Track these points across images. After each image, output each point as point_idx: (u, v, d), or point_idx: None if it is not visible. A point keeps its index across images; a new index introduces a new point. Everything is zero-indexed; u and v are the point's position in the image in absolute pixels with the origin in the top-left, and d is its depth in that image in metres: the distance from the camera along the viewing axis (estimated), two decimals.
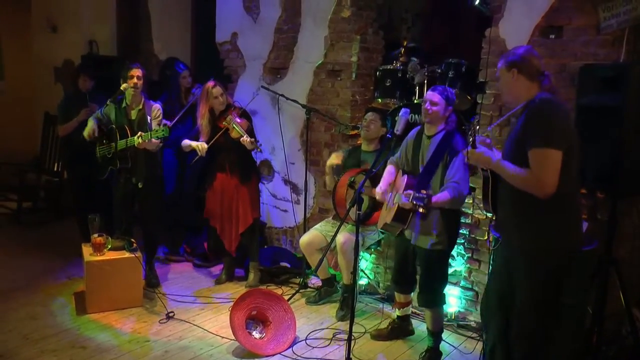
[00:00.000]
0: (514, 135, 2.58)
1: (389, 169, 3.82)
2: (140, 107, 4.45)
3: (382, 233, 4.30)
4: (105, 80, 5.20)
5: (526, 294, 2.62)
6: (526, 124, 2.51)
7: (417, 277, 3.77)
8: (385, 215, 3.68)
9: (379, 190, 3.65)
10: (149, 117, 4.42)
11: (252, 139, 4.35)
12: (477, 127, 2.57)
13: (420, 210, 3.10)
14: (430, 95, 3.53)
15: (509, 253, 2.71)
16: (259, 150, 4.39)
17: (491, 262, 3.85)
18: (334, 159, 4.49)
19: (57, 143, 6.84)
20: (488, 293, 2.96)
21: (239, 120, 4.47)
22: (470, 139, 2.67)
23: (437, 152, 3.48)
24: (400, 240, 3.75)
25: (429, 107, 3.50)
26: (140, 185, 4.48)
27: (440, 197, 3.28)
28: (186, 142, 4.54)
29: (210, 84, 4.53)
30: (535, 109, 2.52)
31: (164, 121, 4.54)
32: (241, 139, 4.36)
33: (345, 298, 4.27)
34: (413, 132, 3.75)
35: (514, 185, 2.54)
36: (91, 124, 4.47)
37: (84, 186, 5.19)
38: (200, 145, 4.45)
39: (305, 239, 4.39)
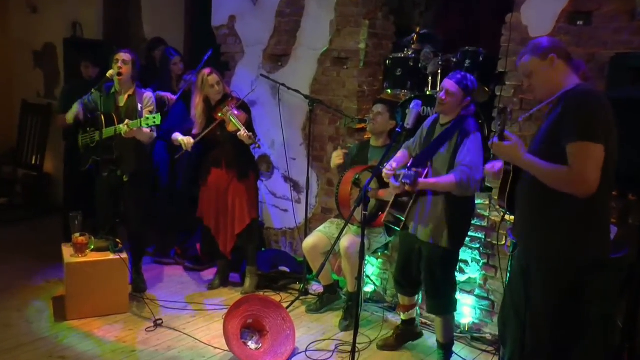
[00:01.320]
0: (546, 130, 2.53)
1: (401, 152, 3.80)
2: (131, 93, 4.44)
3: (390, 236, 4.29)
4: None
5: (542, 305, 2.57)
6: (564, 116, 2.45)
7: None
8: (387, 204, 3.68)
9: (388, 166, 3.59)
10: (140, 105, 4.40)
11: (250, 134, 4.33)
12: (510, 116, 2.51)
13: (406, 188, 3.07)
14: (447, 83, 3.48)
15: (526, 260, 2.67)
16: (257, 146, 4.39)
17: (509, 269, 3.83)
18: (336, 158, 4.46)
19: (36, 134, 6.82)
20: (505, 304, 2.93)
21: (236, 113, 4.45)
22: (499, 129, 2.61)
23: (444, 135, 3.45)
24: (404, 235, 3.72)
25: (443, 97, 3.46)
26: (125, 179, 4.45)
27: (442, 179, 3.25)
28: (175, 135, 4.54)
29: (206, 71, 4.52)
30: (575, 99, 2.46)
31: (169, 95, 4.51)
32: (238, 133, 4.34)
33: (350, 306, 4.25)
34: (430, 119, 3.73)
35: (548, 184, 2.48)
36: (76, 108, 4.50)
37: (80, 182, 5.17)
38: (186, 140, 4.44)
39: (309, 242, 4.37)
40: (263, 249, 5.47)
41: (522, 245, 2.70)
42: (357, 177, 4.08)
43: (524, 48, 2.69)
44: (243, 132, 4.32)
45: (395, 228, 3.72)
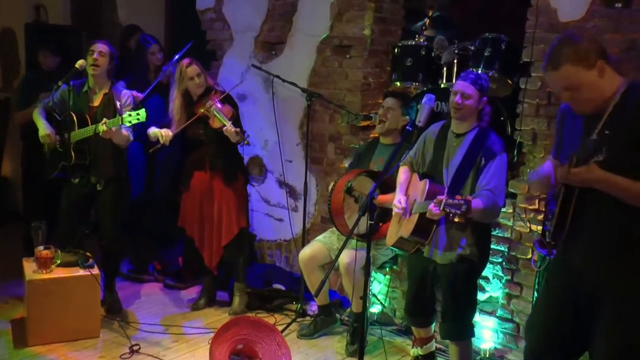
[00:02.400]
0: (619, 136, 2.45)
1: (403, 172, 3.82)
2: (107, 91, 4.43)
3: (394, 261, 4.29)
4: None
5: (627, 339, 2.53)
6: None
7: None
8: (399, 229, 3.66)
9: (398, 203, 3.63)
10: (118, 103, 4.40)
11: (238, 129, 4.32)
12: (597, 137, 2.41)
13: (456, 219, 3.07)
14: (461, 85, 3.50)
15: (592, 288, 2.61)
16: (246, 142, 4.38)
17: (536, 286, 3.80)
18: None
19: None
20: (532, 330, 2.89)
21: (220, 106, 4.44)
22: (583, 154, 2.46)
23: (469, 155, 3.47)
24: (416, 258, 3.72)
25: (459, 101, 3.48)
26: (99, 187, 4.44)
27: (473, 203, 3.24)
28: (152, 129, 4.54)
29: (184, 61, 4.53)
30: None
31: (135, 92, 4.51)
32: (224, 129, 4.33)
33: (356, 329, 4.23)
34: (435, 127, 3.73)
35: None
36: (42, 127, 4.33)
37: (42, 187, 5.15)
38: (164, 132, 4.44)
39: (306, 252, 4.36)
40: (255, 264, 5.44)
41: (591, 271, 2.63)
42: (349, 184, 4.06)
43: (551, 51, 2.54)
44: (229, 127, 4.31)
45: (402, 253, 3.71)
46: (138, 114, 4.12)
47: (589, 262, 2.62)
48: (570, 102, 2.56)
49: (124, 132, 4.29)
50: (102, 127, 4.16)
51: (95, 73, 4.34)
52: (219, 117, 4.38)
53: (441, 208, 3.08)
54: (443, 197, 3.11)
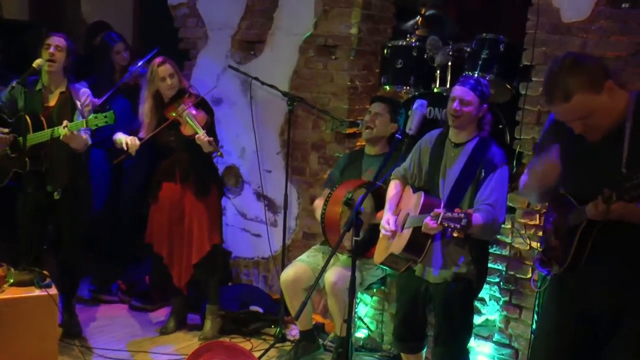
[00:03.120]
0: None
1: (394, 187, 3.82)
2: (63, 90, 4.38)
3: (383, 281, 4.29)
4: (11, 54, 5.11)
5: None
6: None
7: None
8: (389, 245, 3.66)
9: (386, 224, 3.64)
10: (78, 103, 4.36)
11: (211, 138, 4.30)
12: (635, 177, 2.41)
13: (455, 234, 3.10)
14: (460, 91, 3.51)
15: (612, 315, 2.63)
16: (219, 154, 4.37)
17: (537, 308, 3.80)
18: (319, 204, 4.38)
19: None
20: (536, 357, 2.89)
21: (194, 112, 4.42)
22: (618, 191, 2.40)
23: (469, 166, 3.49)
24: (407, 277, 3.72)
25: (458, 108, 3.49)
26: (57, 196, 4.38)
27: (473, 218, 3.25)
28: (118, 135, 4.50)
29: (157, 60, 4.51)
30: None
31: (92, 99, 4.47)
32: (196, 137, 4.30)
33: (340, 355, 4.21)
34: (431, 136, 3.75)
35: None
36: None
37: None
38: (130, 140, 4.41)
39: (288, 274, 4.32)
40: (230, 284, 5.42)
41: (614, 295, 2.65)
42: (349, 195, 4.04)
43: (556, 79, 2.47)
44: (202, 136, 4.28)
45: (392, 271, 3.70)
46: (106, 116, 4.08)
47: (611, 287, 2.63)
48: (584, 131, 2.53)
49: (83, 135, 4.25)
50: (63, 131, 4.11)
51: (51, 69, 4.28)
52: (192, 124, 4.36)
53: (439, 222, 3.10)
54: (441, 210, 3.12)
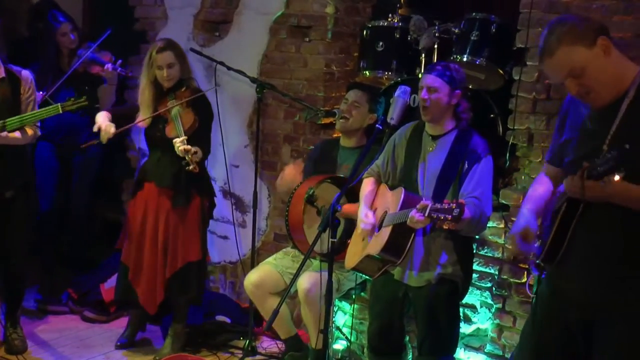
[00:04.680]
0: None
1: (368, 184, 3.85)
2: (3, 76, 4.32)
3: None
4: None
5: None
6: None
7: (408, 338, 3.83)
8: (362, 248, 3.67)
9: (364, 217, 3.66)
10: (27, 88, 4.33)
11: (189, 147, 4.22)
12: (616, 153, 2.42)
13: (445, 226, 3.11)
14: (427, 79, 3.55)
15: (593, 314, 2.68)
16: (191, 168, 4.25)
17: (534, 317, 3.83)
18: (291, 173, 4.44)
19: None
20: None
21: (182, 111, 4.40)
22: (603, 167, 2.42)
23: (451, 160, 3.53)
24: (383, 282, 3.74)
25: (426, 97, 3.54)
26: (8, 195, 4.35)
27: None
28: (101, 114, 4.53)
29: (158, 44, 4.48)
30: None
31: (37, 92, 4.45)
32: (173, 141, 4.27)
33: None
34: (404, 130, 3.78)
35: None
36: None
37: None
38: (105, 126, 4.40)
39: (251, 278, 4.35)
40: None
41: (589, 294, 2.70)
42: (311, 191, 4.06)
43: (544, 38, 2.56)
44: (178, 142, 4.23)
45: (367, 278, 3.77)
46: (54, 108, 4.10)
47: (591, 282, 2.68)
48: (580, 93, 2.55)
49: (29, 131, 4.23)
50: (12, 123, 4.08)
51: None
52: (175, 124, 4.34)
53: (426, 214, 3.11)
54: (428, 202, 3.14)
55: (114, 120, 4.51)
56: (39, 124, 4.36)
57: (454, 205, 3.05)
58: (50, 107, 4.14)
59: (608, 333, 2.63)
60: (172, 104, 4.42)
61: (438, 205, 3.10)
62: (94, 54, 5.11)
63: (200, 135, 4.45)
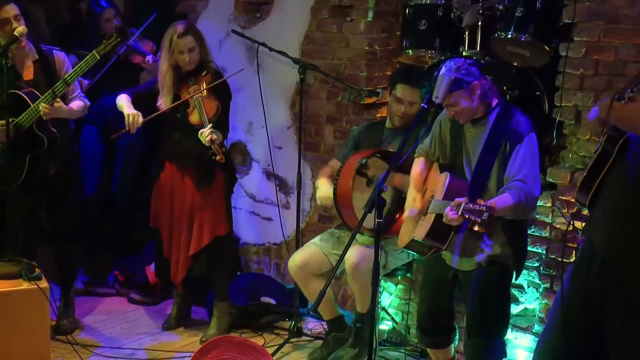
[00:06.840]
0: None
1: (419, 164, 3.83)
2: (37, 57, 4.39)
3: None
4: None
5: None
6: None
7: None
8: (413, 228, 3.67)
9: (412, 203, 3.67)
10: (62, 65, 4.40)
11: (215, 137, 4.26)
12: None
13: (476, 228, 3.10)
14: (445, 97, 3.42)
15: (604, 280, 2.71)
16: (217, 158, 4.30)
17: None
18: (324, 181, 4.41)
19: None
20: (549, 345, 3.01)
21: (205, 98, 4.41)
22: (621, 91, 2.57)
23: (492, 142, 3.49)
24: (432, 262, 3.74)
25: (452, 113, 3.53)
26: (52, 172, 4.40)
27: (499, 202, 3.28)
28: (121, 99, 4.49)
29: (178, 28, 4.45)
30: None
31: (81, 80, 4.50)
32: (199, 132, 4.30)
33: (359, 329, 4.25)
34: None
35: None
36: None
37: None
38: (133, 117, 4.38)
39: (296, 259, 4.36)
40: (238, 273, 5.41)
41: (600, 256, 2.74)
42: (363, 161, 4.05)
43: None
44: (205, 132, 4.26)
45: (418, 256, 3.74)
46: (110, 40, 4.16)
47: (599, 248, 2.77)
48: None
49: (56, 105, 4.21)
50: (43, 106, 4.12)
51: (24, 45, 4.27)
52: (199, 112, 4.37)
53: (459, 213, 3.11)
54: (462, 200, 3.13)
55: (134, 102, 4.51)
56: (87, 101, 4.39)
57: (483, 209, 3.04)
58: (88, 56, 4.13)
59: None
60: (194, 89, 4.42)
61: (470, 205, 3.08)
62: (137, 43, 5.12)
63: (221, 120, 4.50)
